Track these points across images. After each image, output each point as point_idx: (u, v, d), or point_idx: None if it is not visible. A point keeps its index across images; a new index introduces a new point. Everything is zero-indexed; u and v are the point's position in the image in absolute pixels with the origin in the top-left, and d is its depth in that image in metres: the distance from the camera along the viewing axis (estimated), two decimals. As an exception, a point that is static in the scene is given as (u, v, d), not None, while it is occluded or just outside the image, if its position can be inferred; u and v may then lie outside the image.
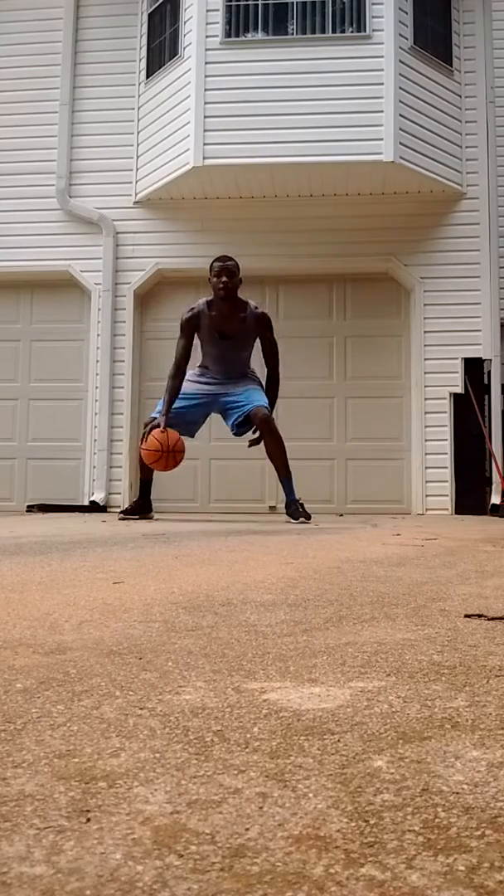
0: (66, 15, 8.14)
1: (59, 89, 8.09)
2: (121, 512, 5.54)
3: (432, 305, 7.52)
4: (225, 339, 5.51)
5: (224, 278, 5.42)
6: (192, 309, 5.56)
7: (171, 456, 5.39)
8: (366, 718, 0.82)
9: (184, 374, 5.53)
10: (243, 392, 5.53)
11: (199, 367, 5.71)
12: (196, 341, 5.60)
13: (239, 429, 5.54)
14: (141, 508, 5.63)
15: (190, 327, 5.55)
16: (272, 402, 5.60)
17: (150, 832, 0.56)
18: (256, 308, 5.60)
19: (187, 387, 5.56)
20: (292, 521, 5.28)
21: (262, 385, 5.65)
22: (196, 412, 5.62)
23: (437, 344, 7.47)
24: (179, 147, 7.26)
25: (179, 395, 5.46)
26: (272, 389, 5.67)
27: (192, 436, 5.70)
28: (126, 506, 5.68)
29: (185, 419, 5.53)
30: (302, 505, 5.39)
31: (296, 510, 5.34)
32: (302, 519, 5.25)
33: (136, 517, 5.51)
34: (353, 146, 6.95)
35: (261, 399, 5.48)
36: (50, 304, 8.14)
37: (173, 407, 5.44)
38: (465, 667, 1.06)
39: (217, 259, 5.55)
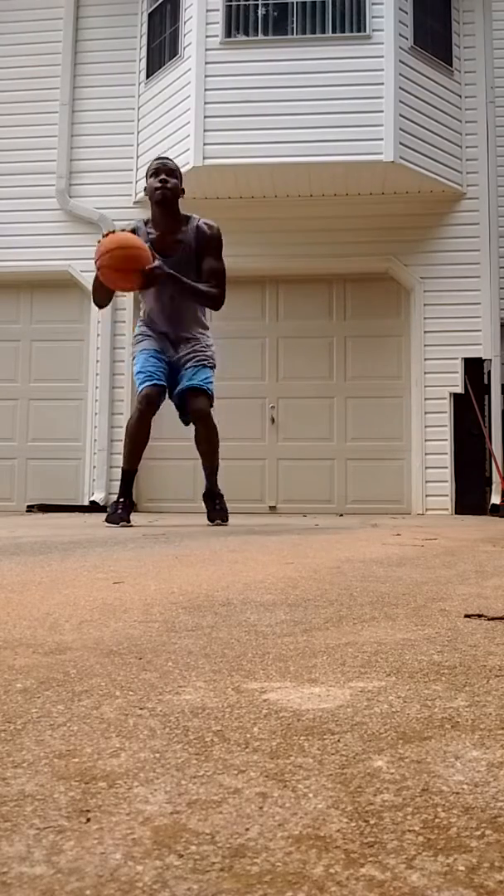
0: (66, 15, 8.14)
1: (59, 89, 8.09)
2: (106, 519, 4.56)
3: (432, 305, 7.52)
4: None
5: (162, 176, 4.41)
6: (128, 226, 4.62)
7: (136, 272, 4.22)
8: (366, 718, 0.82)
9: None
10: (187, 367, 4.55)
11: (141, 323, 4.71)
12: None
13: (182, 416, 4.68)
14: (127, 512, 4.56)
15: None
16: (201, 296, 4.58)
17: (150, 832, 0.56)
18: (205, 223, 4.59)
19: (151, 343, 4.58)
20: (209, 521, 4.76)
21: (212, 358, 4.66)
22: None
23: (437, 344, 7.47)
24: (179, 147, 7.26)
25: (152, 353, 4.52)
26: (201, 294, 4.57)
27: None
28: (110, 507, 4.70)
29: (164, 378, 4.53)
30: (221, 499, 4.79)
31: (214, 508, 4.76)
32: (218, 521, 4.72)
33: (125, 523, 4.47)
34: (353, 146, 6.95)
35: (204, 380, 4.53)
36: (50, 304, 8.14)
37: (151, 361, 4.50)
38: (465, 667, 1.06)
39: (155, 159, 4.70)
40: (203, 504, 4.93)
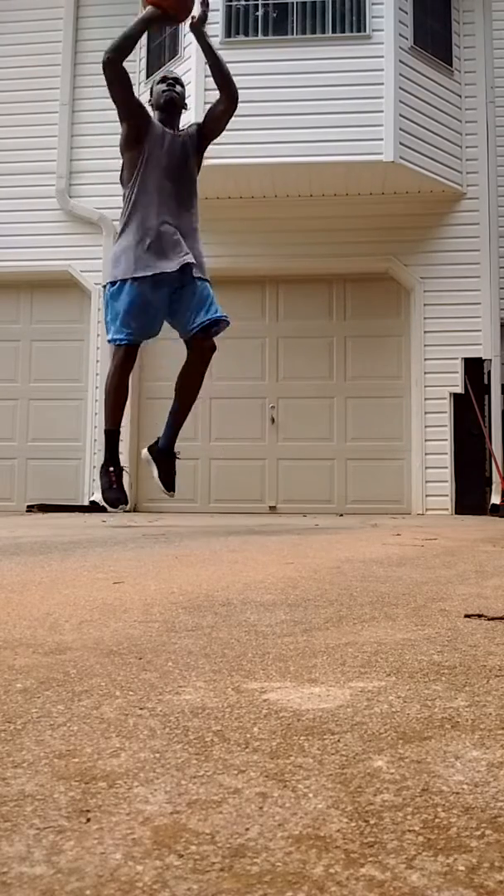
0: (66, 15, 8.14)
1: (59, 89, 8.10)
2: (104, 497, 4.29)
3: (432, 305, 7.52)
4: (170, 168, 4.38)
5: (170, 81, 4.51)
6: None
7: None
8: (366, 718, 0.82)
9: None
10: (203, 288, 4.31)
11: (133, 233, 4.27)
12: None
13: (186, 333, 4.36)
14: (122, 488, 4.29)
15: (143, 111, 4.41)
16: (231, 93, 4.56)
17: (150, 832, 0.56)
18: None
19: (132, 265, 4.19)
20: (161, 482, 4.45)
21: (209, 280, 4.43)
22: (155, 310, 4.31)
23: (437, 344, 7.47)
24: (179, 147, 7.26)
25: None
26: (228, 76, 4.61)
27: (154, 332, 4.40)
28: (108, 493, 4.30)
29: (145, 312, 4.24)
30: (174, 457, 4.50)
31: (171, 471, 4.47)
32: (172, 492, 4.47)
33: (124, 506, 4.30)
34: (353, 146, 6.95)
35: (217, 310, 4.30)
36: (50, 304, 8.14)
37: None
38: (465, 667, 1.06)
39: (159, 71, 4.62)
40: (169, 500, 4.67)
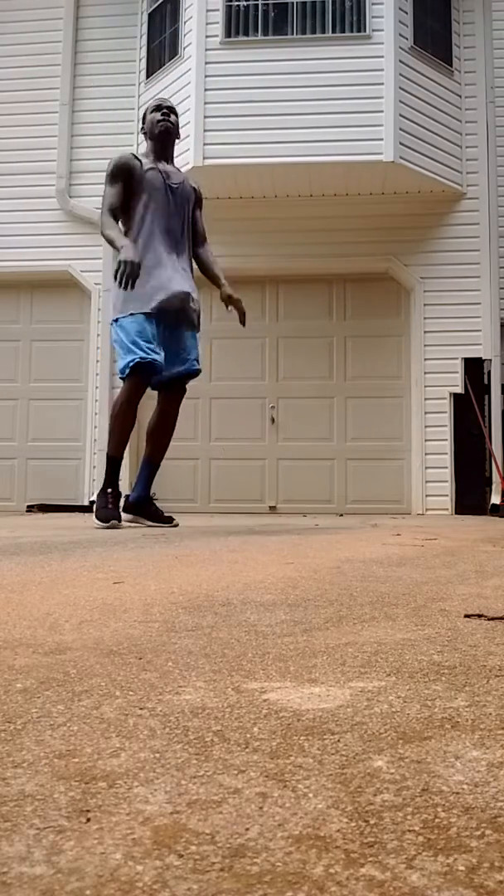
0: (66, 15, 8.15)
1: (59, 89, 8.10)
2: (96, 515, 4.21)
3: (432, 305, 7.52)
4: (169, 201, 4.32)
5: (164, 110, 4.43)
6: (121, 157, 4.42)
7: None
8: (366, 718, 0.82)
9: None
10: (189, 338, 4.37)
11: (133, 246, 4.15)
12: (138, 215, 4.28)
13: (156, 384, 4.37)
14: (117, 508, 4.26)
15: (123, 174, 4.28)
16: (218, 277, 4.53)
17: (150, 832, 0.56)
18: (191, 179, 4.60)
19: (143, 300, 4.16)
20: (156, 524, 4.36)
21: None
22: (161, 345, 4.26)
23: (437, 344, 7.48)
24: (179, 147, 7.25)
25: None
26: (214, 270, 4.56)
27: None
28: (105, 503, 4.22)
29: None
30: (152, 499, 4.51)
31: (157, 510, 4.46)
32: (175, 523, 4.42)
33: (116, 522, 4.17)
34: (353, 146, 6.95)
35: (197, 358, 4.41)
36: (50, 304, 8.14)
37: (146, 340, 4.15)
38: (465, 667, 1.06)
39: (153, 99, 4.70)
40: (149, 506, 4.49)
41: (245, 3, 7.27)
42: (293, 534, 3.97)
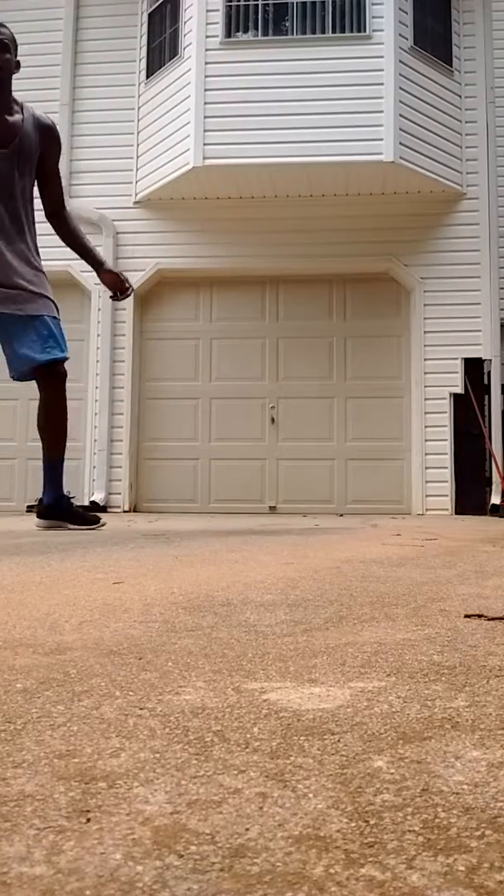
0: (66, 15, 8.15)
1: (59, 89, 8.10)
2: (85, 522, 3.98)
3: (432, 305, 7.52)
4: None
5: None
6: None
7: None
8: (366, 718, 0.82)
9: None
10: (29, 327, 3.75)
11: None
12: None
13: (21, 380, 3.95)
14: (59, 507, 3.92)
15: None
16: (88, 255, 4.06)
17: (150, 832, 0.56)
18: (41, 113, 3.95)
19: None
20: (82, 527, 3.92)
21: (51, 296, 3.92)
22: None
23: (437, 344, 7.48)
24: (179, 147, 7.26)
25: None
26: (90, 255, 4.11)
27: None
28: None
29: None
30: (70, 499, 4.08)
31: (77, 510, 4.08)
32: (103, 522, 4.08)
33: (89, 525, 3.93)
34: (353, 146, 6.96)
35: (53, 343, 3.83)
36: (50, 304, 8.13)
37: None
38: (465, 667, 1.05)
39: None
40: (78, 509, 4.17)
41: (245, 3, 7.28)
42: (293, 534, 3.97)
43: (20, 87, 8.24)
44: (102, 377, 7.77)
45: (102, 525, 4.03)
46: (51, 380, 3.83)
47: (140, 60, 8.01)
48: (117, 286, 4.06)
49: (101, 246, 7.77)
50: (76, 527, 3.90)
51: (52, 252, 7.89)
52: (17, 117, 3.75)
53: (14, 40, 3.85)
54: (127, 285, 4.09)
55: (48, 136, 3.83)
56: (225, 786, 0.64)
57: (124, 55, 8.09)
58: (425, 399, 7.48)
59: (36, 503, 4.08)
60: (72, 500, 4.04)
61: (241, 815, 0.58)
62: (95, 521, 4.01)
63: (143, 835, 0.55)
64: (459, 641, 1.22)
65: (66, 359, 3.90)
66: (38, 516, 4.00)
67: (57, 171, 3.95)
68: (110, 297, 4.18)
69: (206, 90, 7.10)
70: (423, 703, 0.88)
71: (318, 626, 1.34)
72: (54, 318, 3.87)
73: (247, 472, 7.77)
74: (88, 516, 4.08)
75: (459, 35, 7.70)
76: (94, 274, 4.31)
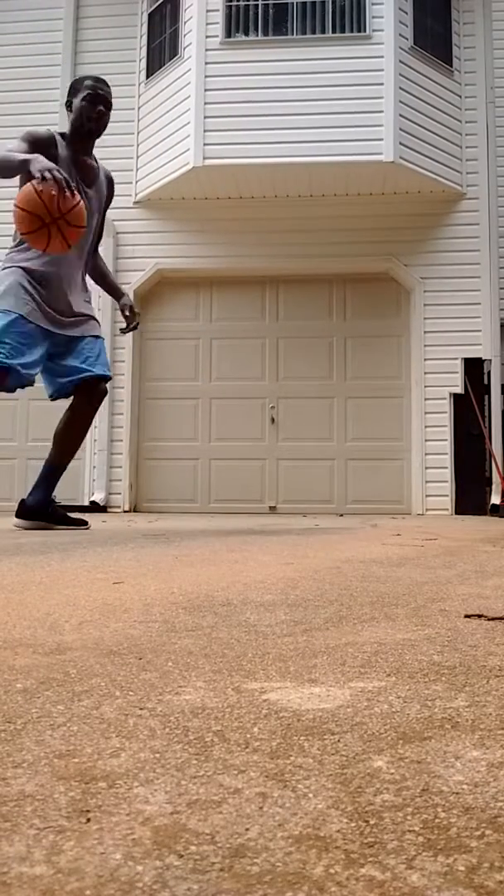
0: (66, 15, 8.15)
1: (59, 89, 8.09)
2: (76, 523, 4.11)
3: (432, 305, 7.52)
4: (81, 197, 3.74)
5: (100, 108, 3.98)
6: (46, 130, 4.00)
7: (59, 230, 3.45)
8: (366, 718, 0.82)
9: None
10: (85, 346, 4.01)
11: (20, 260, 3.84)
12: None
13: (59, 395, 4.06)
14: (45, 509, 4.03)
15: (39, 145, 3.76)
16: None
17: (150, 832, 0.55)
18: (108, 171, 4.32)
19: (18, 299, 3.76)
20: (68, 527, 4.06)
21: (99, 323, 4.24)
22: (35, 347, 3.82)
23: (437, 344, 7.48)
24: (179, 147, 7.26)
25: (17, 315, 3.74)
26: (116, 291, 4.40)
27: (30, 381, 3.86)
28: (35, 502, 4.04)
29: (26, 352, 3.76)
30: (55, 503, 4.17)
31: (63, 512, 4.16)
32: (87, 524, 4.18)
33: (40, 523, 3.98)
34: (353, 146, 6.96)
35: (105, 362, 4.10)
36: (50, 304, 8.13)
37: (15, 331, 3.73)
38: (465, 667, 1.05)
39: (89, 77, 4.12)
40: (72, 511, 4.31)
41: (245, 3, 7.28)
42: (293, 534, 3.97)
43: (20, 87, 8.29)
44: (102, 377, 7.77)
45: (88, 527, 4.11)
46: (94, 393, 4.04)
47: (140, 60, 8.01)
48: (129, 321, 4.31)
49: (101, 246, 7.77)
50: (63, 527, 4.04)
51: (52, 252, 7.94)
52: (94, 164, 4.24)
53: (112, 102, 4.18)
54: (136, 322, 4.35)
55: (111, 187, 4.33)
56: (225, 786, 0.64)
57: (124, 55, 8.09)
58: (425, 399, 7.48)
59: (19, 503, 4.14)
60: (56, 505, 4.13)
61: (241, 815, 0.58)
62: (82, 524, 4.13)
63: (143, 835, 0.55)
64: (459, 641, 1.22)
65: (110, 378, 4.22)
66: (20, 516, 4.05)
67: (105, 216, 4.37)
68: (121, 329, 4.45)
69: (206, 90, 7.10)
70: (423, 703, 0.88)
71: (318, 626, 1.34)
72: (103, 339, 4.26)
73: (247, 472, 7.77)
74: (73, 518, 4.16)
75: (459, 35, 7.70)
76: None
